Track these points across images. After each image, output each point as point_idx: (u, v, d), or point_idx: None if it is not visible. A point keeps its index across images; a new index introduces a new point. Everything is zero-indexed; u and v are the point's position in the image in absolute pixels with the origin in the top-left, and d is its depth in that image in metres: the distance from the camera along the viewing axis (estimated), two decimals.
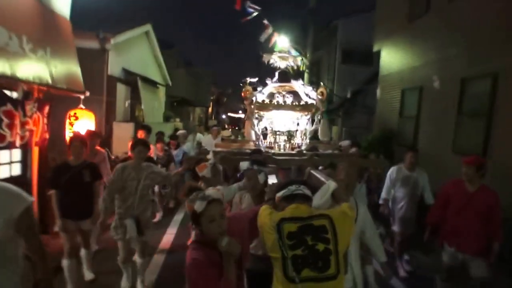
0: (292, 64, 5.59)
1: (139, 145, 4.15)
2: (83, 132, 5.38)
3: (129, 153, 5.21)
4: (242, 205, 3.14)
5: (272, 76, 5.54)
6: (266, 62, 5.54)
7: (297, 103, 5.02)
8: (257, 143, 5.24)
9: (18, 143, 4.56)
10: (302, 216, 2.06)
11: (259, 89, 5.14)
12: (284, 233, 1.99)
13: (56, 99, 5.28)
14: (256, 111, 5.04)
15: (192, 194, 2.01)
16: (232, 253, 1.90)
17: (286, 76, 5.44)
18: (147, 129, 6.93)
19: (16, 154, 5.02)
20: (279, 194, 2.21)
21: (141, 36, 11.45)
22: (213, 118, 40.58)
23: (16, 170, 5.04)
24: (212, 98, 38.35)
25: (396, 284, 4.95)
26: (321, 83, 5.38)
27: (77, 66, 5.66)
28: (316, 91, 5.21)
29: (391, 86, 10.44)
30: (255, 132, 5.24)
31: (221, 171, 3.97)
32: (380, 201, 5.47)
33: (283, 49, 5.59)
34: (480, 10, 6.81)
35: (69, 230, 4.13)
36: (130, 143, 4.50)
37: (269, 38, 5.85)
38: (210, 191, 2.01)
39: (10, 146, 4.49)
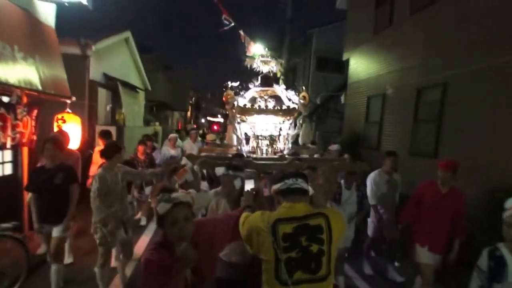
0: (275, 68, 5.56)
1: (118, 153, 4.11)
2: (72, 135, 5.80)
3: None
4: (218, 211, 3.04)
5: (251, 81, 5.49)
6: (248, 66, 5.54)
7: (279, 108, 5.03)
8: (239, 147, 5.20)
9: (9, 144, 4.95)
10: (298, 215, 2.00)
11: (241, 93, 5.14)
12: (279, 235, 1.93)
13: (44, 103, 5.69)
14: (238, 115, 5.04)
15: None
16: (187, 261, 1.83)
17: (268, 80, 5.42)
18: (105, 135, 6.06)
19: (7, 154, 5.42)
20: (275, 187, 2.14)
21: (121, 42, 11.82)
22: (191, 122, 40.83)
23: (8, 169, 5.44)
24: (191, 102, 38.68)
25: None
26: (303, 87, 5.35)
27: (63, 72, 6.08)
28: (298, 95, 5.19)
29: (358, 93, 11.17)
30: (237, 136, 5.19)
31: (199, 176, 3.81)
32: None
33: (266, 53, 5.56)
34: (433, 26, 7.57)
35: (46, 234, 4.14)
36: (102, 149, 4.31)
37: (246, 47, 6.01)
38: (177, 194, 1.97)
39: (2, 147, 4.89)
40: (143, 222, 7.13)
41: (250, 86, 5.37)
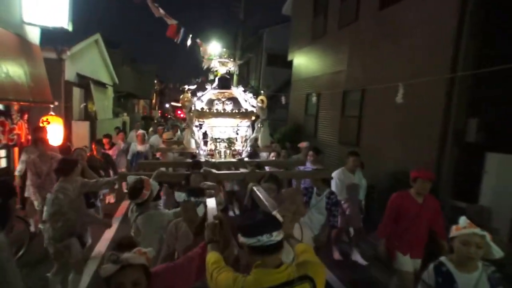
0: (233, 69, 5.36)
1: (76, 166, 3.67)
2: (55, 133, 6.37)
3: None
4: (177, 234, 2.68)
5: (208, 82, 5.36)
6: (205, 67, 5.38)
7: (237, 111, 4.80)
8: (197, 151, 4.99)
9: (6, 144, 5.51)
10: (279, 282, 1.65)
11: (198, 94, 4.94)
12: None
13: (32, 109, 6.22)
14: (195, 118, 4.83)
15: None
16: None
17: (227, 82, 5.21)
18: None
19: (2, 152, 5.95)
20: (246, 242, 1.72)
21: (91, 43, 12.03)
22: (156, 108, 40.60)
23: (3, 163, 5.98)
24: (156, 90, 38.43)
25: None
26: (262, 91, 5.48)
27: (47, 81, 6.56)
28: (256, 98, 5.03)
29: (299, 90, 12.22)
30: (195, 140, 4.94)
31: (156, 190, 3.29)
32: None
33: (223, 54, 5.34)
34: (355, 39, 8.65)
35: None
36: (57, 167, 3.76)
37: (203, 52, 5.94)
38: (129, 254, 1.59)
39: (3, 146, 5.45)
40: None
41: (207, 87, 5.18)
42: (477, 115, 5.61)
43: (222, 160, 4.82)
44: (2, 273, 1.89)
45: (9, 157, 6.09)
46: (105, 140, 7.29)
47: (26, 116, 6.03)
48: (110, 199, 7.59)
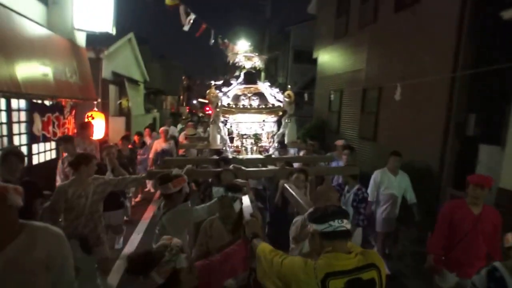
0: (258, 64, 5.35)
1: (85, 165, 3.58)
2: (99, 126, 7.42)
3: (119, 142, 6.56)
4: (212, 232, 2.74)
5: (234, 77, 5.41)
6: (231, 61, 5.43)
7: (263, 106, 4.86)
8: (223, 148, 5.01)
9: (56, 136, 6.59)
10: (349, 268, 1.73)
11: (223, 89, 5.03)
12: None
13: (78, 105, 7.36)
14: (222, 114, 4.91)
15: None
16: None
17: (252, 77, 5.23)
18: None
19: (53, 144, 7.05)
20: (318, 228, 1.81)
21: (125, 43, 13.26)
22: (184, 104, 42.19)
23: (53, 154, 7.10)
24: (183, 86, 40.03)
25: None
26: (289, 86, 5.28)
27: (92, 80, 7.71)
28: (283, 93, 5.08)
29: (324, 87, 12.92)
30: (221, 136, 4.97)
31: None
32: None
33: (249, 49, 5.42)
34: (374, 40, 9.29)
35: None
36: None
37: (230, 50, 6.47)
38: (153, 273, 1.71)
39: (50, 139, 6.52)
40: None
41: (232, 82, 5.27)
42: (476, 110, 6.20)
43: (250, 156, 4.84)
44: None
45: (58, 149, 7.22)
46: (136, 138, 7.66)
47: (74, 112, 7.15)
48: (137, 199, 7.84)
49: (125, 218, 5.89)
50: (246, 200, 2.72)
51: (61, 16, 6.48)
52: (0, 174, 3.49)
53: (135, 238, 5.80)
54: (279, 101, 5.02)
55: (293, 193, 3.31)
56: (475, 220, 3.23)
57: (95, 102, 7.78)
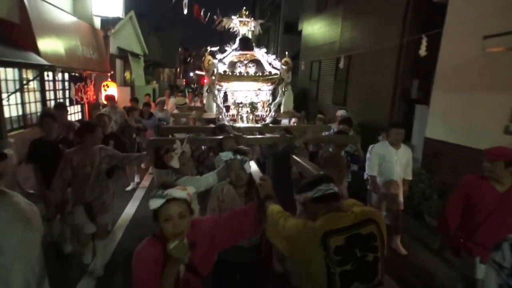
0: (253, 29, 5.33)
1: (98, 128, 3.76)
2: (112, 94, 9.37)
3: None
4: (224, 197, 2.74)
5: (229, 43, 5.29)
6: (225, 27, 5.42)
7: (260, 74, 4.82)
8: (220, 116, 4.99)
9: (83, 100, 8.62)
10: (347, 225, 1.76)
11: (218, 56, 4.94)
12: (331, 249, 1.70)
13: (97, 76, 9.30)
14: (218, 82, 4.84)
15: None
16: (176, 259, 1.71)
17: (248, 43, 5.18)
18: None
19: (78, 107, 9.06)
20: (307, 195, 1.89)
21: (127, 20, 14.99)
22: (180, 77, 43.64)
23: (78, 116, 9.12)
24: (180, 58, 41.47)
25: None
26: (286, 53, 5.19)
27: (106, 56, 9.62)
28: (280, 60, 5.03)
29: (306, 58, 14.69)
30: (217, 104, 4.94)
31: (191, 158, 3.46)
32: (366, 176, 4.99)
33: (243, 13, 5.29)
34: (347, 14, 11.06)
35: (47, 198, 4.00)
36: (79, 129, 4.02)
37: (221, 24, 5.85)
38: (172, 190, 1.79)
39: (77, 103, 8.54)
40: (129, 187, 6.75)
41: (227, 48, 5.19)
42: (419, 76, 8.02)
43: (247, 125, 4.89)
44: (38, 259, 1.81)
45: (83, 111, 9.24)
46: (143, 109, 7.84)
47: (93, 82, 9.10)
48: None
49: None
50: (253, 165, 2.83)
51: (83, 5, 8.40)
52: (40, 134, 4.02)
53: (133, 205, 5.92)
54: (275, 68, 4.97)
55: (299, 160, 3.39)
56: (500, 199, 2.88)
57: (109, 74, 9.69)
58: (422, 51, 5.63)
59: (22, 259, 1.73)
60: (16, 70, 5.62)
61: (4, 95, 5.27)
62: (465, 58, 5.82)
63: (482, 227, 2.99)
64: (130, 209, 5.67)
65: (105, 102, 7.76)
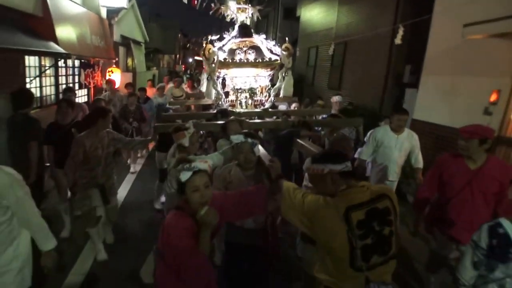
0: (252, 15, 5.35)
1: (108, 114, 3.92)
2: (116, 79, 9.82)
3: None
4: (231, 178, 2.79)
5: (227, 31, 5.31)
6: (223, 14, 5.43)
7: (260, 60, 4.85)
8: (219, 102, 5.05)
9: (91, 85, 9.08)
10: (365, 200, 1.85)
11: (216, 44, 4.98)
12: (353, 223, 1.78)
13: (103, 63, 9.75)
14: (218, 69, 4.89)
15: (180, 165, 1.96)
16: (209, 223, 1.85)
17: (247, 30, 5.18)
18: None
19: (85, 91, 9.52)
20: (335, 168, 1.90)
21: (129, 8, 15.30)
22: (180, 63, 43.83)
23: (85, 99, 9.57)
24: (180, 45, 41.63)
25: None
26: (286, 38, 5.21)
27: (111, 44, 10.04)
28: (280, 46, 5.04)
29: (303, 44, 15.08)
30: (217, 91, 4.99)
31: (198, 139, 3.58)
32: (356, 155, 4.93)
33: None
34: (342, 1, 11.42)
35: (59, 177, 4.35)
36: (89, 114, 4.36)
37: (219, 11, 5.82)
38: (197, 163, 1.96)
39: (85, 87, 9.00)
40: (132, 170, 7.03)
41: (225, 36, 5.23)
42: (411, 61, 8.46)
43: (246, 110, 4.98)
44: (22, 209, 2.22)
45: (89, 95, 9.71)
46: (139, 93, 7.84)
47: (100, 68, 9.55)
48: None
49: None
50: (261, 148, 2.95)
51: None
52: (55, 118, 4.30)
53: (125, 188, 6.10)
54: (275, 54, 5.00)
55: (308, 146, 3.46)
56: (470, 176, 2.90)
57: (114, 61, 10.13)
58: (398, 40, 6.05)
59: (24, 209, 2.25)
60: (36, 57, 6.11)
61: (27, 80, 5.87)
62: (450, 44, 6.27)
63: (451, 203, 3.03)
64: (122, 192, 5.80)
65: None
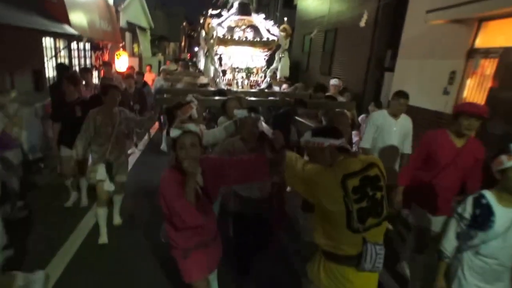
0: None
1: (113, 89, 3.90)
2: (124, 62, 10.59)
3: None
4: (234, 151, 2.85)
5: (226, 8, 5.35)
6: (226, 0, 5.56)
7: (259, 39, 4.86)
8: (217, 80, 5.04)
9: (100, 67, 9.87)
10: (358, 169, 2.02)
11: (214, 20, 4.91)
12: (349, 189, 1.95)
13: (111, 46, 10.53)
14: (216, 46, 4.85)
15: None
16: (191, 173, 2.06)
17: (246, 8, 5.16)
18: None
19: (96, 73, 10.33)
20: (334, 142, 2.08)
21: None
22: (185, 51, 44.30)
23: (96, 80, 10.37)
24: (185, 33, 42.13)
25: None
26: (284, 19, 5.13)
27: (118, 29, 10.80)
28: (278, 27, 5.03)
29: (299, 31, 15.67)
30: (215, 68, 4.95)
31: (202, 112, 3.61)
32: (355, 148, 4.81)
33: None
34: None
35: (65, 156, 4.45)
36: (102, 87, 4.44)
37: None
38: (189, 125, 2.17)
39: (96, 68, 9.81)
40: (141, 147, 7.30)
41: (223, 13, 5.22)
42: (392, 47, 9.07)
43: (244, 90, 5.00)
44: None
45: (99, 77, 10.51)
46: (137, 77, 7.69)
47: (108, 51, 10.33)
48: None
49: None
50: (264, 124, 3.06)
51: None
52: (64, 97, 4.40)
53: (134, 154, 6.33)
54: (273, 34, 5.00)
55: (306, 122, 3.57)
56: (456, 154, 2.99)
57: (120, 45, 10.90)
58: (362, 23, 6.66)
59: None
60: (52, 39, 6.87)
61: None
62: (420, 30, 6.93)
63: (436, 179, 3.10)
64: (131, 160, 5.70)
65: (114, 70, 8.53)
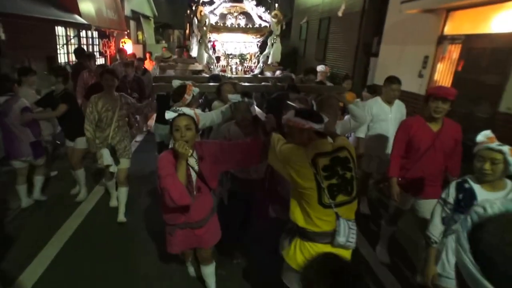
0: None
1: (105, 73, 3.96)
2: (128, 49, 11.23)
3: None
4: (230, 137, 2.93)
5: None
6: None
7: (251, 26, 4.87)
8: (211, 67, 5.08)
9: (107, 53, 10.53)
10: (329, 150, 2.14)
11: (206, 8, 4.93)
12: (319, 167, 2.06)
13: (117, 34, 11.16)
14: (209, 33, 4.86)
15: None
16: (181, 153, 2.17)
17: None
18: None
19: (102, 60, 10.99)
20: (314, 126, 2.16)
21: None
22: (189, 38, 44.35)
23: None
24: (189, 21, 42.28)
25: None
26: (276, 5, 5.18)
27: (123, 18, 11.42)
28: (270, 13, 5.02)
29: (297, 19, 16.15)
30: (209, 55, 4.99)
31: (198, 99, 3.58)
32: (351, 138, 4.68)
33: None
34: None
35: (69, 147, 4.54)
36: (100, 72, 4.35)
37: None
38: (184, 108, 2.27)
39: (102, 56, 10.47)
40: (138, 138, 7.28)
41: (215, 0, 5.21)
42: (379, 34, 9.63)
43: (237, 75, 5.06)
44: None
45: (105, 61, 11.18)
46: (137, 64, 7.52)
47: (114, 38, 10.98)
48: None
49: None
50: (257, 108, 3.19)
51: None
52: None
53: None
54: (265, 21, 5.06)
55: (294, 104, 3.50)
56: (434, 138, 3.01)
57: (125, 32, 11.53)
58: (340, 12, 7.12)
59: None
60: (63, 28, 7.54)
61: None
62: (399, 18, 7.50)
63: (417, 165, 3.13)
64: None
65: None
